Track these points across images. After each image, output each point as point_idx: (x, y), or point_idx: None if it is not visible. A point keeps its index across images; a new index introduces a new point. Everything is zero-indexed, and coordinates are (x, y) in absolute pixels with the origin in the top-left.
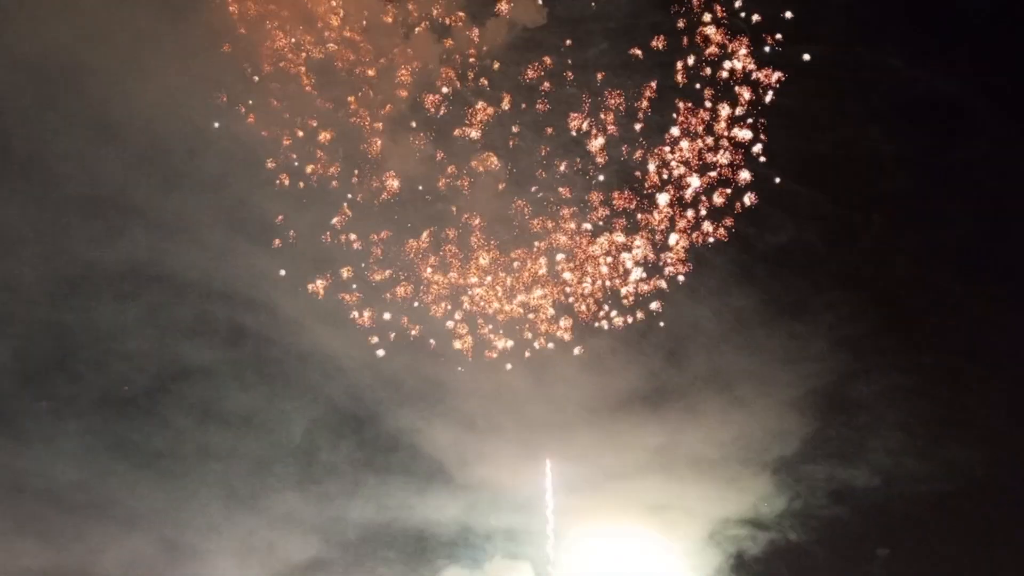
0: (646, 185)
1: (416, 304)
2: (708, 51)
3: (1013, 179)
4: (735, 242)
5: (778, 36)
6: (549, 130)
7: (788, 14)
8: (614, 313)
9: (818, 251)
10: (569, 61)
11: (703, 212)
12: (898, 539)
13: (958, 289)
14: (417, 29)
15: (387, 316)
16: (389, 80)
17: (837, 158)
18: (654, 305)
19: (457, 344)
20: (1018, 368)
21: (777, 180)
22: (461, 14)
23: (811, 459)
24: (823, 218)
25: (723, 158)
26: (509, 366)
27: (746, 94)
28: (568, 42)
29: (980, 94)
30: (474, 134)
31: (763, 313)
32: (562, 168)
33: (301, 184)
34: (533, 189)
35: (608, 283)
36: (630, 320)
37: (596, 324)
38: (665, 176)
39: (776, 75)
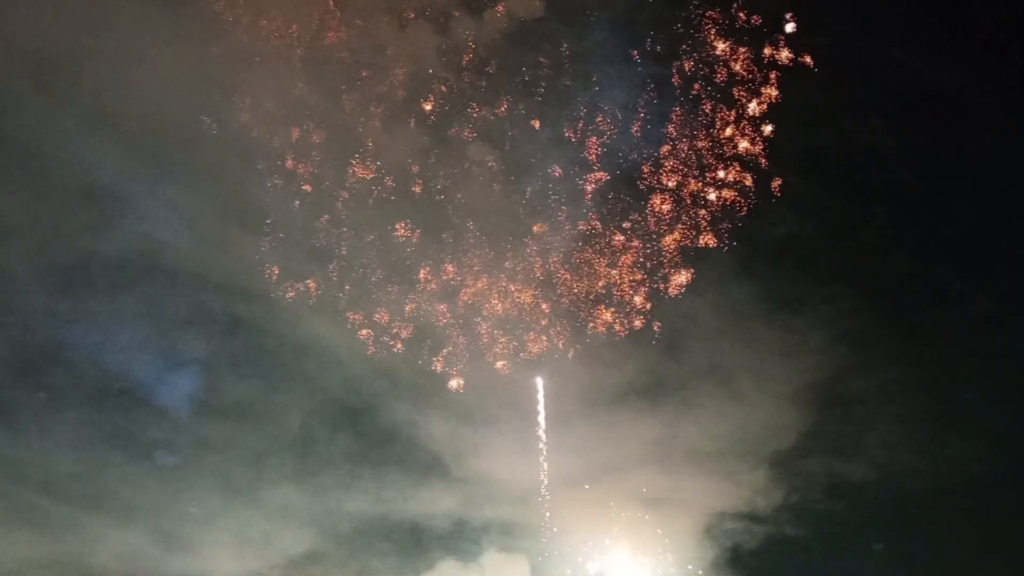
0: (642, 186)
1: (410, 302)
2: (707, 51)
3: (1015, 173)
4: (734, 235)
5: (778, 36)
6: (547, 129)
7: (788, 16)
8: (609, 315)
9: (818, 245)
10: (566, 64)
11: (702, 214)
12: (895, 534)
13: (958, 284)
14: (406, 29)
15: (379, 315)
16: (384, 77)
17: (838, 151)
18: (649, 305)
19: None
20: (1018, 364)
21: (776, 183)
22: (456, 13)
23: (808, 453)
24: (823, 212)
25: (724, 158)
26: (502, 363)
27: (745, 96)
28: (567, 34)
29: (983, 87)
30: (470, 132)
31: (761, 307)
32: (559, 168)
33: (295, 183)
34: (529, 190)
35: (605, 284)
36: (627, 324)
37: (590, 326)
38: (663, 176)
39: (774, 73)
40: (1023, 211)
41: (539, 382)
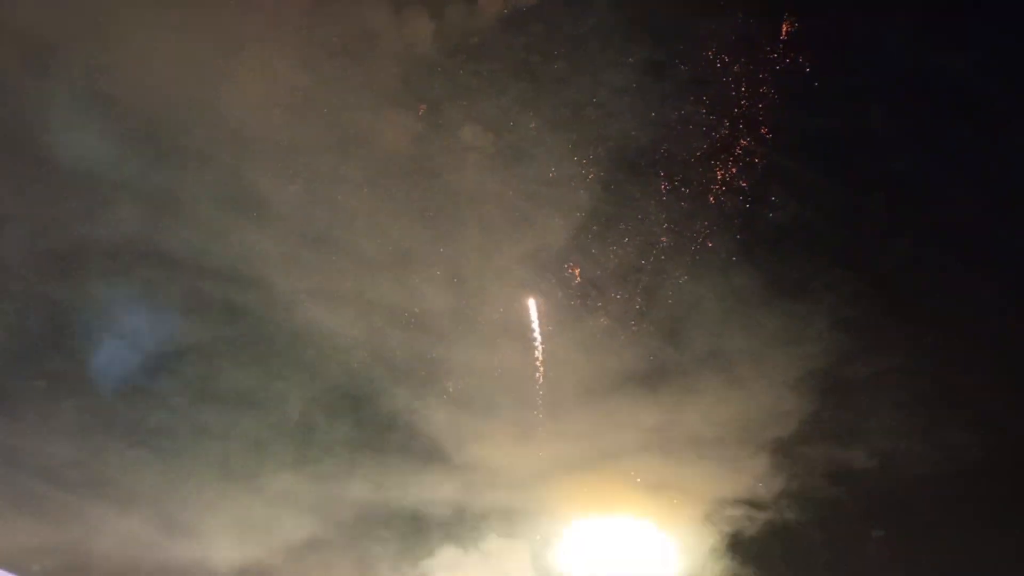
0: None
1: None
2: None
3: (1019, 158)
4: (736, 220)
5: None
6: (545, 118)
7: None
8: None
9: (819, 230)
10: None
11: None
12: (896, 520)
13: (960, 269)
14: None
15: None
16: (378, 57)
17: (839, 135)
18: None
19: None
20: (1020, 350)
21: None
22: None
23: (809, 440)
24: (824, 197)
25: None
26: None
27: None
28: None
29: (987, 70)
30: (466, 114)
31: (763, 293)
32: (557, 158)
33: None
34: (518, 182)
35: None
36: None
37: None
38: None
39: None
40: None
41: (531, 303)
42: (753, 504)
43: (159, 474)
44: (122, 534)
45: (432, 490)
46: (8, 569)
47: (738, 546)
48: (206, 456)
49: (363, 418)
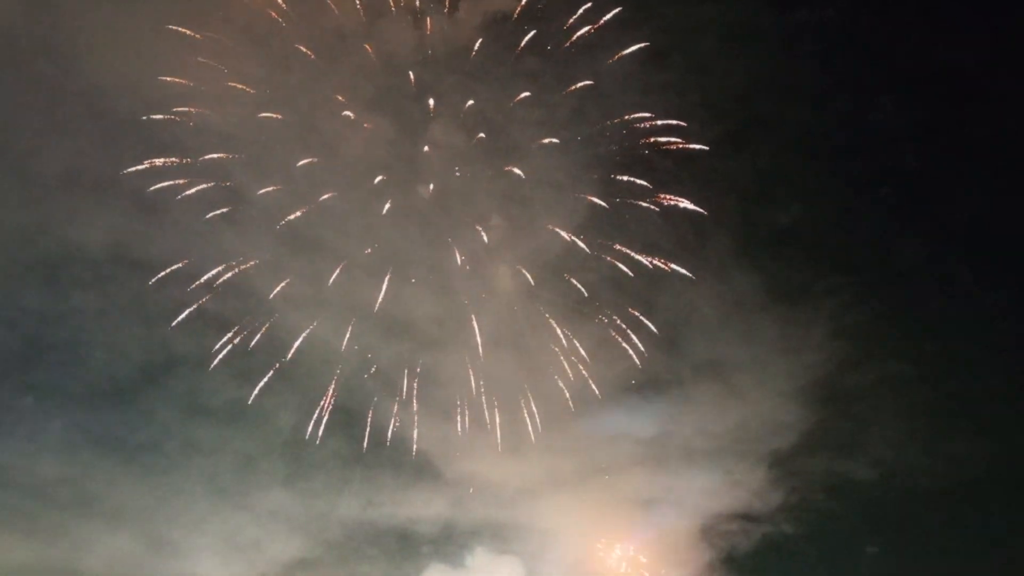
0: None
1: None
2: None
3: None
4: (736, 221)
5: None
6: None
7: None
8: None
9: (821, 230)
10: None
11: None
12: (898, 533)
13: (964, 273)
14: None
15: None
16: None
17: (843, 131)
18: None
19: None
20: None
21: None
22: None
23: (808, 452)
24: (826, 196)
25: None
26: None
27: None
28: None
29: (995, 67)
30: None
31: (762, 299)
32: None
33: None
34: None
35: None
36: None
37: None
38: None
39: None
40: None
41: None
42: (750, 518)
43: (147, 491)
44: (110, 551)
45: (422, 506)
46: None
47: (734, 561)
48: (195, 473)
49: (354, 434)
